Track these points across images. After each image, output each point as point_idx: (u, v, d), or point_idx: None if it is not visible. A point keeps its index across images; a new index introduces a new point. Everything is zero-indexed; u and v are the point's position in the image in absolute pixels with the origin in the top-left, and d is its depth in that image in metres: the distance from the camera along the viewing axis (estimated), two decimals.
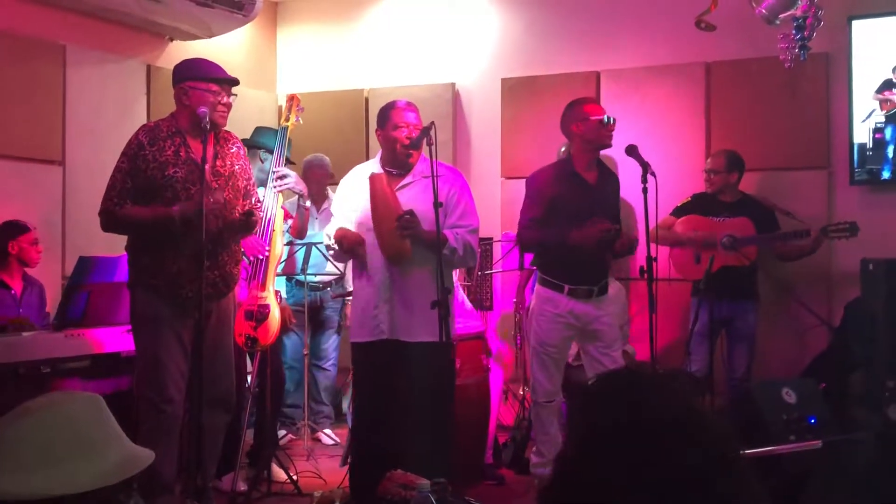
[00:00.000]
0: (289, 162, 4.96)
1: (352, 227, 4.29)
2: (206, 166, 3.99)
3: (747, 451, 3.77)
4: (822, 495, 4.08)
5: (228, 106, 4.14)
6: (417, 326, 4.17)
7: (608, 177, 4.78)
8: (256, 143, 5.19)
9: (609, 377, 1.30)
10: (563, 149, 5.90)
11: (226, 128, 4.24)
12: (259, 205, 4.41)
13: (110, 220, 4.06)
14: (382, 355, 4.21)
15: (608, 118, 4.60)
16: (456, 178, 4.38)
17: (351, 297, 4.63)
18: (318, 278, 5.66)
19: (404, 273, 4.20)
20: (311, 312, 5.81)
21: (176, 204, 3.98)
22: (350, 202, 4.36)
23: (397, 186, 4.27)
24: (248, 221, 4.13)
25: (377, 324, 4.21)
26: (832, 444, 3.92)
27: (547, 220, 4.65)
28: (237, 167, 4.25)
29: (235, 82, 4.17)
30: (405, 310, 4.20)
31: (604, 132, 4.62)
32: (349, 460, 4.46)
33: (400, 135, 4.24)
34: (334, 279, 5.80)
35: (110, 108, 6.02)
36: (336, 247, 4.30)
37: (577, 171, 4.70)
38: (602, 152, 4.81)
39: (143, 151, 4.03)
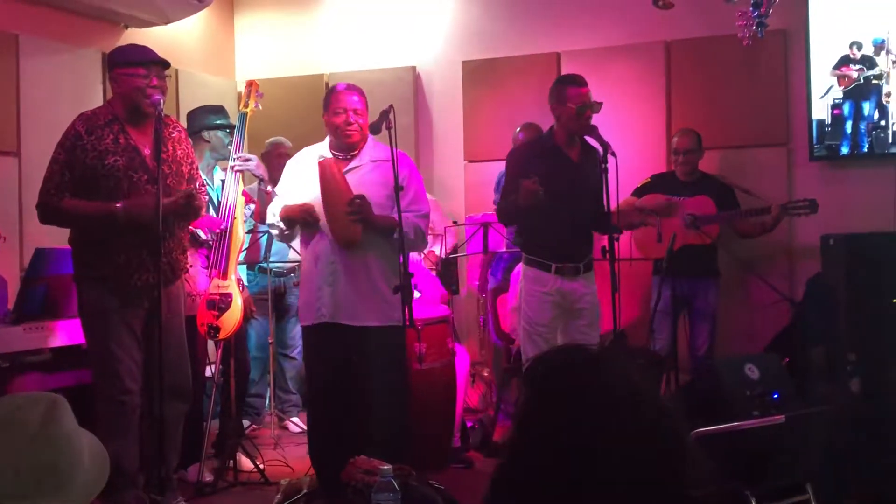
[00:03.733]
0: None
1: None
2: (147, 152, 3.96)
3: (711, 428, 3.80)
4: (786, 469, 4.11)
5: (162, 88, 4.04)
6: (364, 311, 4.19)
7: (591, 153, 4.73)
8: (197, 127, 5.09)
9: (548, 358, 1.29)
10: (517, 130, 5.88)
11: (183, 114, 4.19)
12: (204, 188, 4.37)
13: (47, 212, 4.00)
14: (327, 339, 4.22)
15: (583, 108, 4.52)
16: (406, 163, 4.36)
17: None
18: (280, 265, 5.61)
19: (351, 257, 4.20)
20: (274, 299, 5.76)
21: (118, 197, 3.91)
22: (296, 183, 4.34)
23: (345, 170, 4.26)
24: (190, 206, 4.04)
25: (318, 307, 4.22)
26: (795, 418, 3.95)
27: None
28: (179, 152, 4.19)
29: (163, 63, 4.08)
30: (351, 294, 4.19)
31: (580, 121, 4.55)
32: (308, 444, 4.43)
33: (339, 119, 4.25)
34: (296, 265, 5.75)
35: (66, 98, 5.91)
36: (282, 224, 4.29)
37: (558, 146, 4.67)
38: None
39: (81, 141, 3.95)
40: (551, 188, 4.51)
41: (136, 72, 3.99)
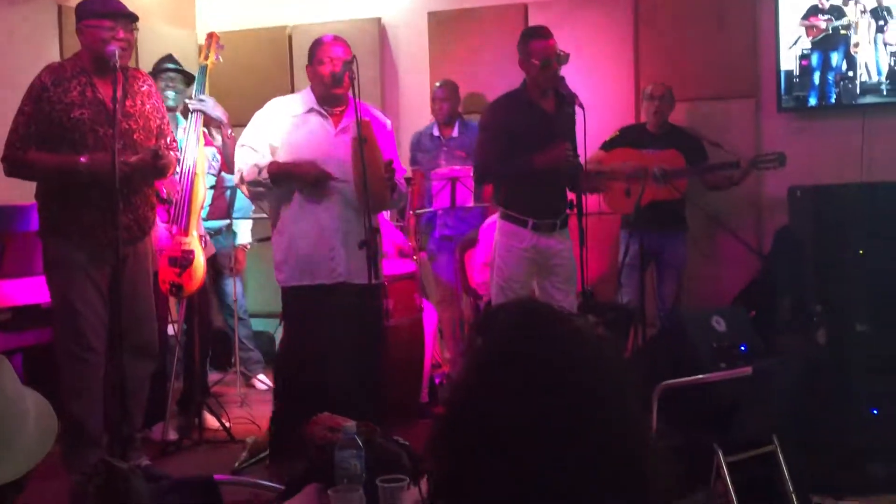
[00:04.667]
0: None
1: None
2: (116, 106, 3.85)
3: (678, 380, 3.80)
4: (752, 421, 4.13)
5: (128, 42, 3.94)
6: (361, 269, 4.09)
7: (564, 105, 4.65)
8: (156, 69, 4.97)
9: (507, 306, 1.25)
10: (437, 85, 5.82)
11: (143, 67, 4.09)
12: (175, 144, 4.27)
13: (13, 166, 3.91)
14: (333, 298, 4.10)
15: (547, 62, 4.43)
16: (387, 124, 4.32)
17: (277, 239, 4.29)
18: (212, 224, 5.26)
19: (355, 217, 4.08)
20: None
21: (83, 151, 3.83)
22: (268, 136, 4.14)
23: (338, 126, 4.16)
24: (158, 164, 3.97)
25: (334, 267, 4.09)
26: (762, 370, 3.96)
27: (507, 151, 4.56)
28: (148, 106, 4.09)
29: (131, 16, 3.97)
30: (356, 253, 4.09)
31: (546, 74, 4.47)
32: (273, 408, 4.35)
33: (325, 70, 4.11)
34: (225, 226, 5.46)
35: (21, 51, 5.75)
36: (269, 182, 4.06)
37: (532, 99, 4.60)
38: None
39: (48, 93, 3.86)
40: (528, 142, 4.46)
41: (102, 24, 3.89)
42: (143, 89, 4.10)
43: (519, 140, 4.52)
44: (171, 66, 5.02)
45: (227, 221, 5.37)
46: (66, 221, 3.91)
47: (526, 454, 1.11)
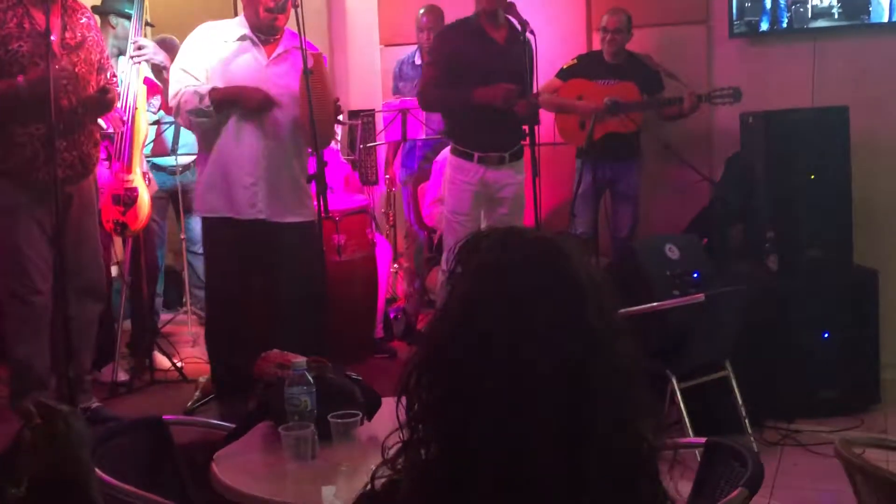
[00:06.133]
0: (148, 25, 4.61)
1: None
2: (54, 38, 3.71)
3: (632, 308, 3.80)
4: (706, 348, 4.16)
5: None
6: (285, 207, 4.00)
7: (517, 35, 4.57)
8: (106, 8, 4.78)
9: (487, 231, 1.21)
10: (420, 12, 5.67)
11: None
12: (115, 80, 4.13)
13: None
14: (250, 235, 3.97)
15: None
16: (314, 49, 4.14)
17: (202, 167, 4.11)
18: (180, 160, 5.23)
19: (279, 151, 3.97)
20: (176, 196, 5.44)
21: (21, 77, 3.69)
22: (202, 62, 3.95)
23: (271, 56, 4.01)
24: (104, 99, 3.89)
25: (254, 202, 3.96)
26: (715, 297, 3.98)
27: (450, 79, 4.48)
28: (88, 38, 3.94)
29: None
30: (284, 190, 4.00)
31: None
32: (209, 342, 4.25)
33: None
34: (193, 162, 5.39)
35: None
36: (212, 109, 3.86)
37: (483, 28, 4.51)
38: None
39: None
40: (474, 70, 4.39)
41: None
42: (82, 21, 3.95)
43: (466, 70, 4.45)
44: (130, 10, 4.73)
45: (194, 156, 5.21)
46: (4, 158, 3.78)
47: (517, 365, 1.08)
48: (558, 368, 1.08)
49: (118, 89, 4.18)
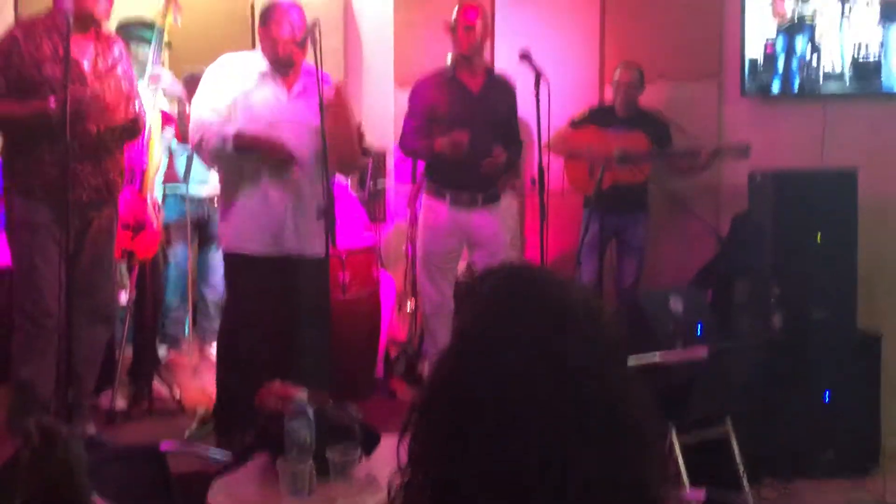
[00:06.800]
0: (167, 47, 4.68)
1: (235, 126, 3.97)
2: (86, 63, 3.84)
3: (634, 361, 3.79)
4: (707, 402, 4.14)
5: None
6: (308, 242, 4.04)
7: (497, 86, 4.65)
8: (126, 35, 4.83)
9: (498, 269, 1.21)
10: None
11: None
12: (143, 110, 4.21)
13: None
14: (274, 270, 4.03)
15: (454, 25, 4.55)
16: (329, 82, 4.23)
17: (226, 202, 4.15)
18: (204, 193, 5.29)
19: (307, 186, 4.01)
20: (197, 227, 5.51)
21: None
22: (229, 95, 3.99)
23: (291, 91, 4.06)
24: (133, 128, 4.00)
25: (280, 238, 4.01)
26: (718, 352, 3.97)
27: (427, 128, 4.56)
28: (120, 70, 4.05)
29: None
30: (310, 225, 4.02)
31: (458, 38, 4.55)
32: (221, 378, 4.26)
33: (282, 33, 3.99)
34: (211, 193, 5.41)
35: None
36: (230, 150, 3.91)
37: (458, 77, 4.59)
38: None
39: (18, 48, 3.81)
40: (447, 119, 4.48)
41: None
42: (115, 54, 4.06)
43: (440, 119, 4.54)
44: (151, 37, 4.79)
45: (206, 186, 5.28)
46: (32, 178, 3.86)
47: (521, 411, 1.07)
48: (560, 413, 1.08)
49: (145, 119, 4.24)
